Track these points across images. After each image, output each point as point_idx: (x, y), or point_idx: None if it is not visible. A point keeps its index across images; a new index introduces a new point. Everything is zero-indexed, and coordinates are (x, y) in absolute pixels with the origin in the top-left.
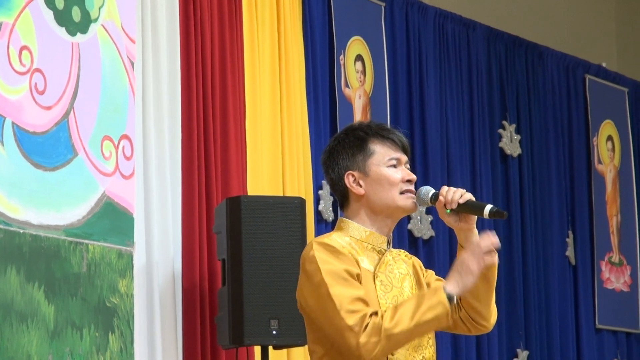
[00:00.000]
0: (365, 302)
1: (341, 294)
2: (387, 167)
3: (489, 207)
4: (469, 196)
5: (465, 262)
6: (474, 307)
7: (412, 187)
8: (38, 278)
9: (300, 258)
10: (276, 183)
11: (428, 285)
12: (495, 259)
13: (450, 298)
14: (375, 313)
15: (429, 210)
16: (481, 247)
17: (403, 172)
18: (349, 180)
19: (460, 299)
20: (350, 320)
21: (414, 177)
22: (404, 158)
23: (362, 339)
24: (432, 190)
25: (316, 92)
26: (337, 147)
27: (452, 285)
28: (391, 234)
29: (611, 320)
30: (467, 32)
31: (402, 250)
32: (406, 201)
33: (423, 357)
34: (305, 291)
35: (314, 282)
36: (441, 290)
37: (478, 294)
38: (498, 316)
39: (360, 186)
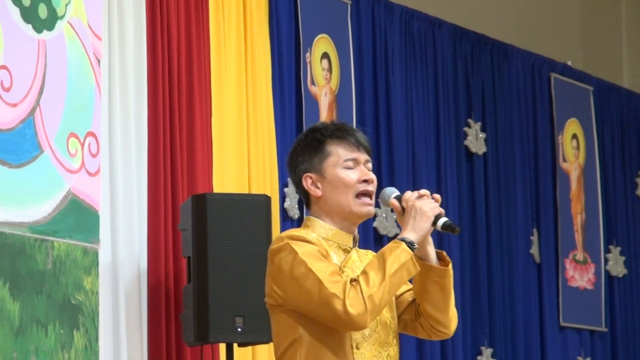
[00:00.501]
0: (341, 274)
1: (321, 267)
2: (343, 169)
3: (442, 220)
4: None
5: (416, 206)
6: (432, 315)
7: (369, 188)
8: (3, 275)
9: (269, 252)
10: (242, 180)
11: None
12: (443, 212)
13: (410, 244)
14: (354, 279)
15: None
16: (431, 199)
17: (360, 173)
18: (307, 183)
19: (419, 306)
20: (334, 288)
21: (371, 177)
22: (363, 158)
23: (349, 302)
24: (396, 192)
25: (282, 89)
26: (296, 149)
27: (408, 232)
28: (357, 233)
29: (575, 318)
30: (433, 31)
31: (370, 251)
32: (360, 208)
33: (388, 354)
34: (279, 281)
35: (290, 267)
36: (399, 241)
37: (435, 302)
38: (462, 313)
39: (318, 188)
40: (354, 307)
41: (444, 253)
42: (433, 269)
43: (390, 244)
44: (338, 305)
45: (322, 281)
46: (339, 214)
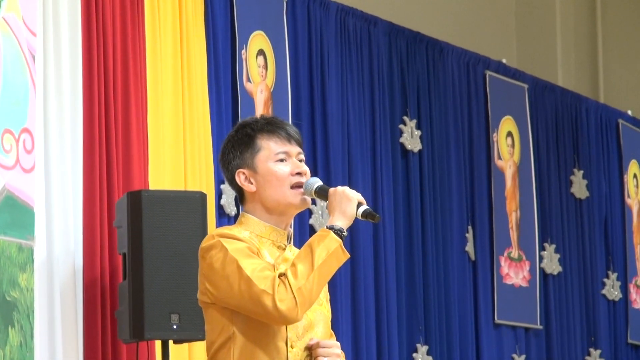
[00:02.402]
0: (272, 269)
1: (251, 264)
2: (275, 163)
3: (363, 207)
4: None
5: (339, 192)
6: None
7: (303, 180)
8: None
9: (200, 250)
10: (178, 177)
11: None
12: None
13: (339, 231)
14: (283, 274)
15: None
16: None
17: (292, 166)
18: (240, 179)
19: None
20: (263, 284)
21: (304, 169)
22: (294, 150)
23: (278, 297)
24: (318, 183)
25: (218, 86)
26: (227, 145)
27: (336, 218)
28: (291, 230)
29: (510, 315)
30: (368, 28)
31: None
32: (295, 198)
33: None
34: (211, 279)
35: (221, 264)
36: (327, 229)
37: None
38: (398, 311)
39: (252, 183)
40: (284, 302)
41: None
42: None
43: (319, 233)
44: (268, 302)
45: (251, 278)
46: (275, 208)
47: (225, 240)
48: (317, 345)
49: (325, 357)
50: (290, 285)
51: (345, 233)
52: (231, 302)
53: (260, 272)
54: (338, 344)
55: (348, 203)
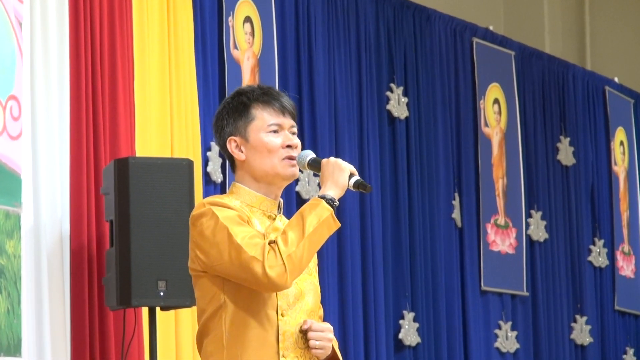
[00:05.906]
0: (262, 237)
1: (241, 231)
2: (267, 134)
3: (354, 178)
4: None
5: (331, 163)
6: None
7: (293, 153)
8: None
9: (190, 218)
10: (164, 144)
11: None
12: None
13: (331, 201)
14: (273, 241)
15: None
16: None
17: (284, 138)
18: (231, 146)
19: None
20: (253, 251)
21: (295, 142)
22: (287, 123)
23: (268, 263)
24: (311, 155)
25: (205, 53)
26: (222, 111)
27: (328, 188)
28: (281, 199)
29: (496, 282)
30: None
31: None
32: (285, 169)
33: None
34: (201, 247)
35: (212, 232)
36: (318, 198)
37: None
38: (385, 278)
39: (242, 152)
40: (273, 269)
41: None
42: None
43: (310, 202)
44: (257, 268)
45: (241, 245)
46: (263, 178)
47: (216, 208)
48: (310, 329)
49: (317, 341)
50: (280, 252)
51: (337, 203)
52: (221, 270)
53: (250, 240)
54: (331, 327)
55: (340, 173)
